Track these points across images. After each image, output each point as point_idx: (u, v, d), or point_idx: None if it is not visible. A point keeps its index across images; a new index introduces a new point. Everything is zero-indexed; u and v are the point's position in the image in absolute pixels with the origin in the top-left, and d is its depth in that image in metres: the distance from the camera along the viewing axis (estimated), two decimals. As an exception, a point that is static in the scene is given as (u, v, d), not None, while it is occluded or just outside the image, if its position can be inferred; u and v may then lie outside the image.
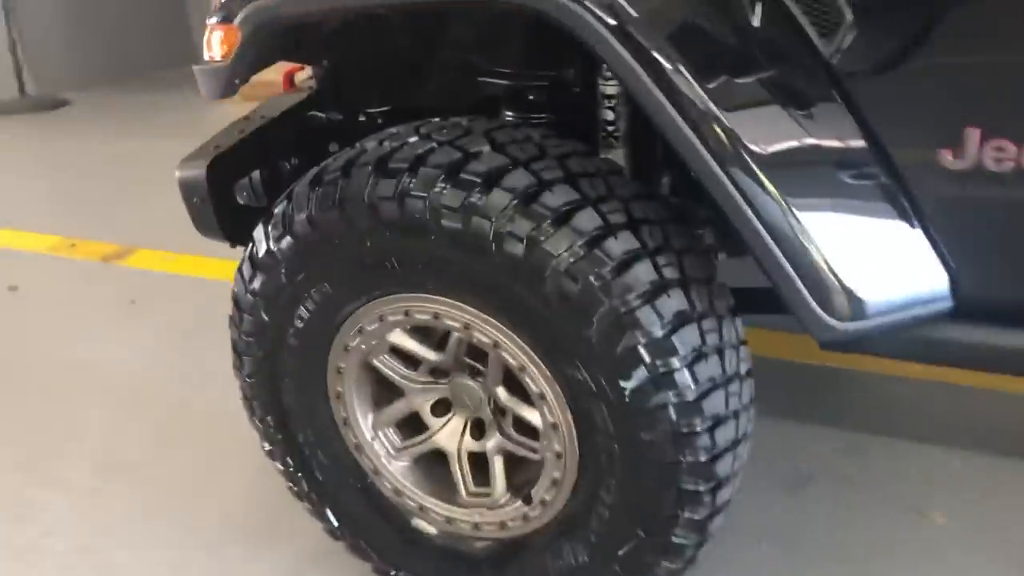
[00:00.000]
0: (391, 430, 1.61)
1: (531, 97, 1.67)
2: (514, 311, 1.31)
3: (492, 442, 1.52)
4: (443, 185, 1.28)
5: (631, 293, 1.22)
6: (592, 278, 1.21)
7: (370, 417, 1.59)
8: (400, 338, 1.48)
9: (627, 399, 1.25)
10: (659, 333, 1.23)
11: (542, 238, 1.23)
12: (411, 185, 1.30)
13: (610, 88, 1.53)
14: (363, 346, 1.50)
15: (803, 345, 2.37)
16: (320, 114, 1.90)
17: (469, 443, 1.55)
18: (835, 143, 1.26)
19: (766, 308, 1.67)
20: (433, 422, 1.57)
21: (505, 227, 1.24)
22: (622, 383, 1.25)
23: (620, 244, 1.24)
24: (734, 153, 1.19)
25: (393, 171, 1.32)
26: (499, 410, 1.50)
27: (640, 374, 1.23)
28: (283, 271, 1.45)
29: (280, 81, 2.06)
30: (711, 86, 1.19)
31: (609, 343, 1.22)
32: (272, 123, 1.87)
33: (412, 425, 1.60)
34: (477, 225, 1.25)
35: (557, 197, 1.26)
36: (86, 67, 7.39)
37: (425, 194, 1.28)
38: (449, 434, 1.56)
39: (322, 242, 1.40)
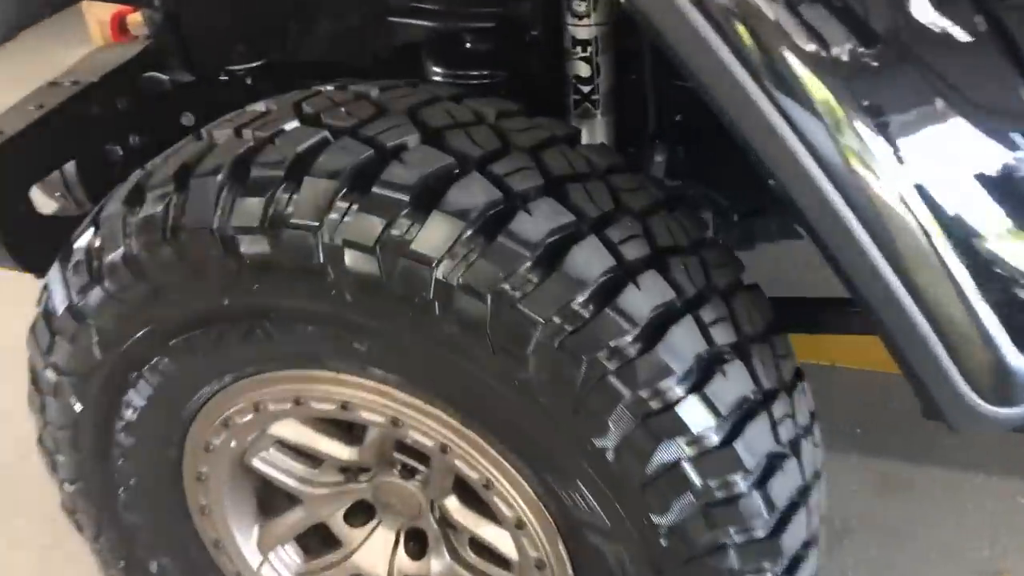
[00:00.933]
0: (288, 548, 1.12)
1: (468, 45, 1.17)
2: (474, 403, 0.84)
3: (439, 566, 1.04)
4: (345, 206, 0.77)
5: (669, 377, 0.75)
6: (604, 357, 0.73)
7: (254, 534, 1.11)
8: (290, 430, 0.98)
9: (663, 540, 0.80)
10: (714, 439, 0.77)
11: (518, 294, 0.74)
12: (290, 207, 0.78)
13: (583, 30, 1.07)
14: (233, 443, 0.99)
15: (807, 341, 1.91)
16: (161, 75, 1.33)
17: (404, 564, 1.08)
18: (978, 106, 0.77)
19: (808, 327, 1.23)
20: (350, 535, 1.08)
21: (456, 276, 0.74)
22: (655, 517, 0.79)
23: (646, 295, 0.77)
24: (808, 94, 0.69)
25: (260, 182, 0.81)
26: (448, 523, 1.01)
27: (685, 504, 0.80)
28: (95, 339, 0.92)
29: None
30: None
31: (635, 458, 0.79)
32: (91, 90, 1.32)
33: (321, 537, 1.10)
34: (407, 273, 0.76)
35: (539, 221, 0.78)
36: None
37: (315, 222, 0.77)
38: (374, 551, 1.08)
39: (152, 296, 0.87)
